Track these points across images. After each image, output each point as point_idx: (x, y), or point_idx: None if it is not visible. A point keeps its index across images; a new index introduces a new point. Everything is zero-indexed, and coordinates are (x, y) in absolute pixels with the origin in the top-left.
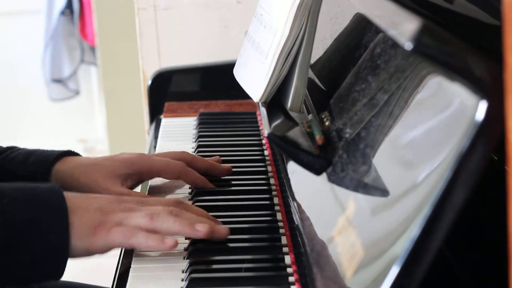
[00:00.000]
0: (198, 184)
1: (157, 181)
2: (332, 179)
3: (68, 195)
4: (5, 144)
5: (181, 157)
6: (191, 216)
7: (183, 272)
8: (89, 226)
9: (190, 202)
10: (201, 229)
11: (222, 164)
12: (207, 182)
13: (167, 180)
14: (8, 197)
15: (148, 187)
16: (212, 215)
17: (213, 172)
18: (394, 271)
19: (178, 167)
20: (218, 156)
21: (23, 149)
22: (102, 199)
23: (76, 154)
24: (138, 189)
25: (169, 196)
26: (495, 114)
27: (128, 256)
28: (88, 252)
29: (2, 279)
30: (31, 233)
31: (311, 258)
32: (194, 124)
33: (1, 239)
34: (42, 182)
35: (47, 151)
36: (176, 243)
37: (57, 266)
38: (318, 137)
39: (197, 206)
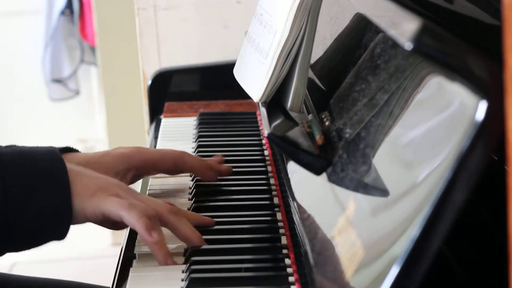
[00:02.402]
0: (196, 170)
1: (156, 182)
2: (332, 179)
3: (68, 162)
4: (5, 143)
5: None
6: (184, 228)
7: (183, 272)
8: (89, 187)
9: (190, 203)
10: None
11: (221, 165)
12: (208, 168)
13: (166, 182)
14: (7, 157)
15: (148, 187)
16: (212, 215)
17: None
18: (394, 271)
19: (174, 153)
20: (220, 156)
21: (22, 147)
22: (105, 176)
23: (75, 150)
24: (138, 184)
25: (169, 199)
26: (495, 114)
27: (128, 256)
28: (83, 214)
29: (5, 243)
30: (31, 192)
31: (311, 258)
32: (194, 124)
33: (1, 200)
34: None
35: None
36: (158, 238)
37: (60, 224)
38: (318, 137)
39: (197, 206)
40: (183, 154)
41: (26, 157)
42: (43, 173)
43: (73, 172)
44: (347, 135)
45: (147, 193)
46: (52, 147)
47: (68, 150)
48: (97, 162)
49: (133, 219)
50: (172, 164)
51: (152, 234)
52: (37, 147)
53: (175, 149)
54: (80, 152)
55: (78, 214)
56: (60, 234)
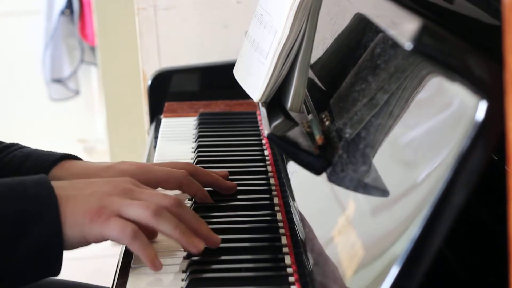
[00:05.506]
0: (198, 196)
1: None
2: (332, 179)
3: (58, 184)
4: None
5: (184, 167)
6: (190, 220)
7: (183, 272)
8: (84, 212)
9: (190, 203)
10: (197, 246)
11: (227, 181)
12: (208, 196)
13: None
14: None
15: None
16: (212, 215)
17: (216, 187)
18: (394, 271)
19: (180, 176)
20: (226, 171)
21: (20, 150)
22: (96, 183)
23: (75, 158)
24: None
25: None
26: (495, 114)
27: (128, 256)
28: (85, 241)
29: None
30: (21, 228)
31: (311, 258)
32: (194, 124)
33: None
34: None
35: (43, 155)
36: (161, 267)
37: (52, 260)
38: (318, 137)
39: (197, 206)
40: (190, 179)
41: (14, 187)
42: (32, 204)
43: (64, 197)
44: (347, 135)
45: None
46: (40, 176)
47: (68, 157)
48: (100, 176)
49: (137, 250)
50: (177, 187)
51: (155, 264)
52: (26, 178)
53: (176, 149)
54: (81, 160)
55: (75, 241)
56: (52, 270)
